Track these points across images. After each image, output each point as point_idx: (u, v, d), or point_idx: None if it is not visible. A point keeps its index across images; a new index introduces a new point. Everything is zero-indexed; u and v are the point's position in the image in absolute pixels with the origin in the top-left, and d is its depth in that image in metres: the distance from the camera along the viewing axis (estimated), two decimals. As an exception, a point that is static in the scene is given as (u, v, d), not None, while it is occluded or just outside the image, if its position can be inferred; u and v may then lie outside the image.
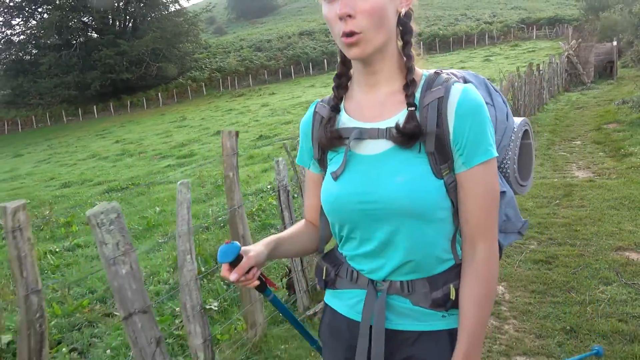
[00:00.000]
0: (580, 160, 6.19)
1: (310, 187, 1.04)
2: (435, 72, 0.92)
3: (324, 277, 1.03)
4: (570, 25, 33.22)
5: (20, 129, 38.40)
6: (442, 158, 0.86)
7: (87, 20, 42.09)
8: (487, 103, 1.00)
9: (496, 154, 0.87)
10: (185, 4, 47.94)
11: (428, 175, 0.86)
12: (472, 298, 0.88)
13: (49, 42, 40.85)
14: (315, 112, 1.01)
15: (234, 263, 0.89)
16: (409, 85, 0.88)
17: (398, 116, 0.88)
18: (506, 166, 1.07)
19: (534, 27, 39.07)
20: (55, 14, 39.07)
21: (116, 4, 42.47)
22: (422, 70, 0.94)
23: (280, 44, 45.88)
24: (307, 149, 1.03)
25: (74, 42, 40.52)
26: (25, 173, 15.93)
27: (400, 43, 0.92)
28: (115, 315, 3.52)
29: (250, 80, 39.67)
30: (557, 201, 4.56)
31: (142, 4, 43.07)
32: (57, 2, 41.18)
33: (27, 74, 40.61)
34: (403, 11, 0.89)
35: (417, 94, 0.89)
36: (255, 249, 0.92)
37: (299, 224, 1.08)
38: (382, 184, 0.87)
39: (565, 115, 9.99)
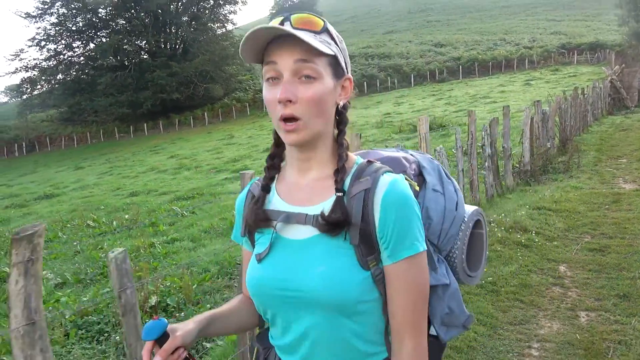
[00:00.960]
0: (627, 175, 6.74)
1: (245, 264, 1.02)
2: (367, 161, 0.93)
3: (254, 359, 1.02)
4: (612, 50, 33.20)
5: (76, 144, 40.88)
6: (368, 250, 0.85)
7: (141, 43, 44.75)
8: (436, 191, 1.02)
9: (423, 249, 0.86)
10: (230, 27, 50.07)
11: (352, 266, 0.85)
12: None
13: (105, 63, 43.68)
14: (249, 191, 1.01)
15: (160, 341, 0.85)
16: (339, 171, 0.89)
17: (325, 203, 0.89)
18: (454, 256, 1.05)
19: (575, 52, 39.08)
20: (114, 38, 41.84)
21: (169, 29, 45.16)
22: (357, 157, 0.96)
23: (321, 67, 47.32)
24: (239, 226, 1.02)
25: (129, 63, 43.08)
26: (92, 183, 17.28)
27: (335, 132, 0.94)
28: (235, 286, 4.36)
29: (292, 102, 41.11)
30: (607, 206, 5.18)
31: (192, 29, 45.53)
32: (116, 27, 44.17)
33: (84, 93, 43.45)
34: (341, 103, 0.92)
35: (347, 181, 0.89)
36: (183, 328, 0.88)
37: (237, 299, 1.06)
38: (303, 272, 0.86)
39: (610, 136, 10.46)
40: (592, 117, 12.53)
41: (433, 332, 1.01)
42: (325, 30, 0.88)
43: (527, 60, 39.35)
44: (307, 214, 0.88)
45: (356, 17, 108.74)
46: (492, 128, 5.66)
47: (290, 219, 0.90)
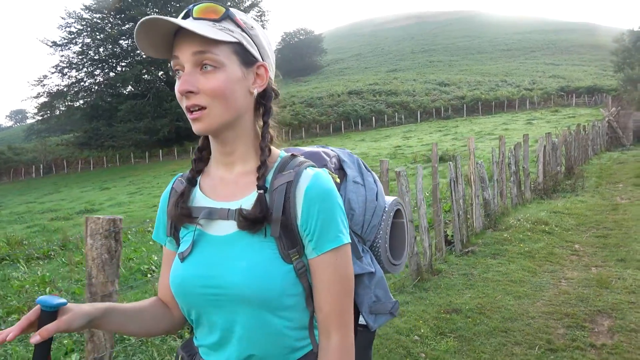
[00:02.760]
0: (623, 194, 8.19)
1: (165, 265, 0.99)
2: (291, 155, 0.93)
3: None
4: (608, 94, 35.31)
5: (92, 168, 42.35)
6: (290, 243, 0.85)
7: (159, 73, 46.95)
8: (357, 182, 1.04)
9: (347, 241, 0.86)
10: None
11: (274, 260, 0.84)
12: None
13: (125, 91, 45.77)
14: (172, 188, 0.98)
15: (47, 316, 0.76)
16: (261, 166, 0.87)
17: (248, 198, 0.88)
18: (377, 245, 1.06)
19: (574, 94, 41.29)
20: (136, 68, 44.04)
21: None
22: (281, 151, 0.95)
23: (331, 101, 49.54)
24: (162, 225, 0.99)
25: (147, 92, 45.13)
26: (127, 201, 18.60)
27: (260, 123, 0.92)
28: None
29: (303, 133, 42.91)
30: (607, 212, 6.63)
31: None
32: (136, 57, 46.55)
33: (101, 119, 45.32)
34: (256, 92, 0.89)
35: (270, 176, 0.88)
36: (76, 310, 0.79)
37: (148, 300, 0.99)
38: (225, 268, 0.85)
39: (608, 167, 11.98)
40: (592, 151, 14.10)
41: (362, 321, 1.02)
42: (226, 17, 0.86)
43: (528, 101, 41.47)
44: (229, 209, 0.87)
45: (360, 55, 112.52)
46: (517, 151, 7.18)
47: (212, 214, 0.89)
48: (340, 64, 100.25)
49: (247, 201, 0.87)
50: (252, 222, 0.84)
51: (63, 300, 0.78)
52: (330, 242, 0.85)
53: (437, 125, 36.69)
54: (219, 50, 0.83)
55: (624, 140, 17.72)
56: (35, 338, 0.74)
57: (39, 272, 6.36)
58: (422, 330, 3.26)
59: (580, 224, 6.01)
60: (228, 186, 0.92)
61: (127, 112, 42.64)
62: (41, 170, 42.08)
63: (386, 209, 1.08)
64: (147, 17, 0.79)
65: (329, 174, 0.94)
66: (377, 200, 1.06)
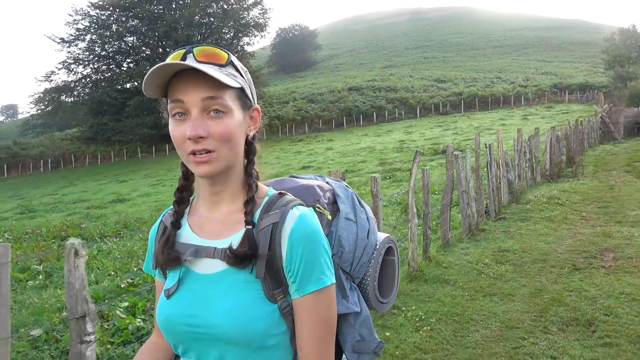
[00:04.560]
0: (617, 179, 9.76)
1: (157, 295, 1.00)
2: (279, 193, 0.93)
3: None
4: (600, 91, 37.12)
5: (99, 162, 43.37)
6: (275, 283, 0.86)
7: (164, 70, 47.92)
8: (349, 219, 1.04)
9: (330, 283, 0.87)
10: (247, 58, 53.67)
11: (258, 300, 0.85)
12: None
13: (131, 87, 46.84)
14: (161, 222, 0.99)
15: None
16: (249, 202, 0.88)
17: (236, 235, 0.88)
18: (366, 283, 1.06)
19: (566, 91, 43.08)
20: (142, 65, 45.11)
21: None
22: (269, 189, 0.95)
23: (332, 97, 50.93)
24: (151, 258, 1.00)
25: (154, 88, 46.16)
26: (154, 192, 19.80)
27: (245, 162, 0.93)
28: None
29: (306, 128, 44.27)
30: (605, 191, 8.22)
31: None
32: (142, 54, 47.62)
33: (106, 114, 46.34)
34: (251, 134, 0.92)
35: (257, 214, 0.89)
36: None
37: (145, 346, 1.05)
38: (209, 307, 0.86)
39: (603, 158, 13.60)
40: (588, 144, 15.72)
41: (345, 359, 1.04)
42: (230, 62, 0.87)
43: (523, 98, 43.20)
44: (215, 248, 0.88)
45: (354, 50, 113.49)
46: (531, 141, 8.71)
47: (199, 252, 0.89)
48: (335, 60, 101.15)
49: (235, 239, 0.87)
50: (241, 259, 0.84)
51: None
52: (313, 284, 0.85)
53: (436, 121, 38.12)
54: (227, 95, 0.85)
55: (616, 135, 19.40)
56: None
57: (114, 248, 7.55)
58: (486, 260, 4.76)
59: (585, 199, 7.55)
60: (215, 224, 0.92)
61: (134, 108, 43.70)
62: (49, 165, 43.02)
63: (377, 247, 1.08)
64: (161, 64, 0.81)
65: (320, 210, 0.98)
66: (368, 238, 1.06)
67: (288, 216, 0.87)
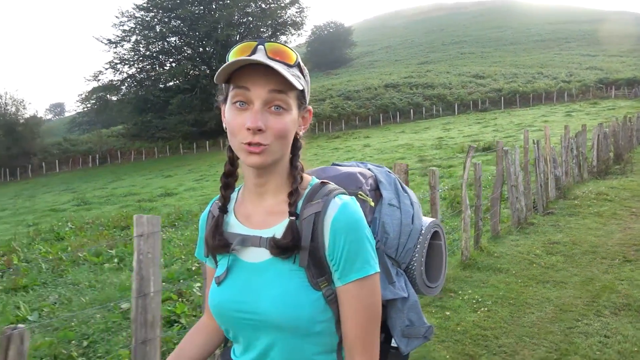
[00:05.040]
0: (668, 174, 9.67)
1: (208, 281, 1.05)
2: (321, 182, 0.95)
3: None
4: (649, 86, 35.68)
5: (144, 158, 45.03)
6: (318, 271, 0.88)
7: (207, 69, 49.28)
8: (392, 205, 1.05)
9: (373, 271, 0.88)
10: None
11: (303, 288, 0.88)
12: None
13: (174, 85, 48.39)
14: (210, 212, 1.03)
15: None
16: (293, 193, 0.91)
17: (280, 225, 0.91)
18: (413, 268, 1.08)
19: (613, 87, 41.61)
20: (185, 65, 46.55)
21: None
22: (312, 178, 0.98)
23: (368, 94, 51.03)
24: (202, 246, 1.05)
25: (194, 87, 47.59)
26: (199, 186, 20.50)
27: (290, 155, 0.95)
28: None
29: (343, 125, 44.55)
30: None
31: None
32: (184, 54, 49.13)
33: (149, 112, 48.05)
34: (301, 133, 0.95)
35: (300, 204, 0.92)
36: None
37: (194, 328, 1.11)
38: (258, 295, 0.89)
39: (652, 154, 13.32)
40: (637, 141, 15.36)
41: (394, 343, 1.05)
42: (297, 64, 0.90)
43: (566, 94, 42.02)
44: (261, 237, 0.91)
45: (390, 47, 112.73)
46: (578, 137, 8.74)
47: (246, 242, 0.92)
48: (370, 57, 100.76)
49: (279, 229, 0.90)
50: (284, 249, 0.87)
51: None
52: (356, 272, 0.87)
53: (475, 118, 37.63)
54: (291, 93, 0.88)
55: (666, 131, 18.74)
56: None
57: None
58: (536, 251, 4.98)
59: (634, 195, 7.57)
60: (260, 215, 0.94)
61: (177, 106, 45.18)
62: (97, 160, 45.00)
63: (422, 232, 1.09)
64: (240, 58, 0.84)
65: (363, 198, 1.01)
66: (412, 223, 1.07)
67: (330, 205, 0.89)
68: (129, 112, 50.18)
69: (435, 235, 1.14)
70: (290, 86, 0.86)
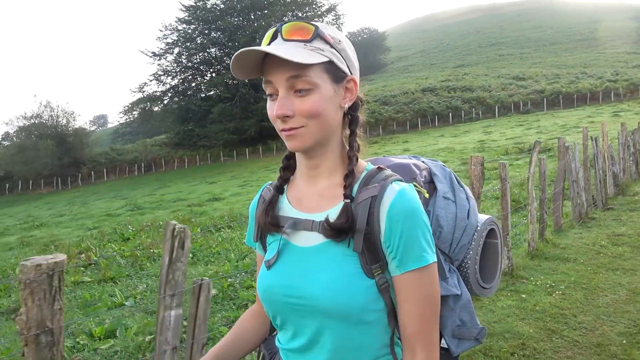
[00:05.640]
0: None
1: (259, 268, 1.03)
2: (377, 168, 0.92)
3: None
4: (703, 83, 34.09)
5: (186, 166, 46.47)
6: (372, 258, 0.85)
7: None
8: (447, 198, 1.02)
9: (432, 261, 0.85)
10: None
11: (356, 275, 0.85)
12: None
13: (214, 95, 49.88)
14: (260, 196, 1.02)
15: None
16: (348, 175, 0.88)
17: (333, 209, 0.88)
18: (466, 266, 1.04)
19: (663, 85, 40.01)
20: (224, 74, 47.94)
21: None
22: (368, 163, 0.95)
23: (405, 98, 50.91)
24: (252, 231, 1.03)
25: (234, 96, 48.84)
26: (244, 192, 21.04)
27: (346, 133, 0.92)
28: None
29: (380, 130, 44.64)
30: None
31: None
32: (224, 64, 50.57)
33: (191, 121, 49.60)
34: (347, 106, 0.90)
35: (355, 187, 0.89)
36: None
37: (245, 317, 1.08)
38: (308, 279, 0.87)
39: None
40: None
41: (444, 344, 1.01)
42: (316, 36, 0.86)
43: (612, 93, 40.71)
44: (313, 221, 0.89)
45: (425, 51, 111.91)
46: (635, 134, 8.71)
47: (297, 225, 0.91)
48: (404, 62, 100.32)
49: (333, 212, 0.88)
50: (338, 231, 0.85)
51: None
52: (414, 261, 0.84)
53: (516, 120, 36.93)
54: (312, 72, 0.84)
55: None
56: None
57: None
58: (602, 243, 5.12)
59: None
60: (313, 198, 0.93)
61: (218, 114, 46.52)
62: (142, 169, 46.75)
63: (478, 228, 1.06)
64: (241, 50, 0.81)
65: (417, 188, 0.96)
66: (468, 218, 1.04)
67: (387, 190, 0.86)
68: (171, 122, 51.95)
69: (491, 234, 1.10)
70: (306, 65, 0.83)
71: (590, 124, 28.29)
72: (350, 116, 0.92)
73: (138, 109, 52.42)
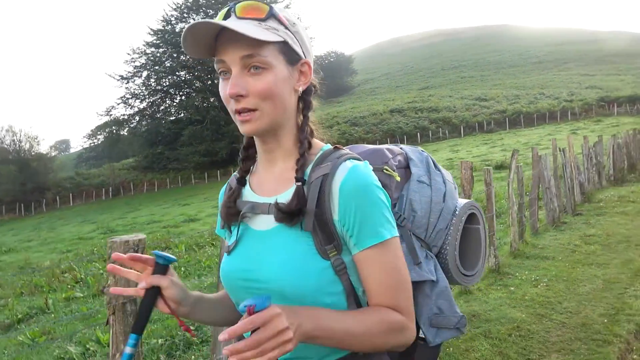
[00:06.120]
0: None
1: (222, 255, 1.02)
2: (334, 147, 0.91)
3: None
4: (651, 102, 36.51)
5: (156, 189, 45.79)
6: (326, 238, 0.83)
7: (213, 100, 50.59)
8: (422, 182, 1.00)
9: (390, 235, 0.83)
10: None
11: (310, 256, 0.83)
12: (373, 312, 0.83)
13: (184, 117, 49.70)
14: (228, 184, 1.01)
15: (158, 270, 0.85)
16: (300, 158, 0.87)
17: (287, 192, 0.87)
18: (445, 253, 1.01)
19: (614, 104, 42.54)
20: (196, 97, 47.97)
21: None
22: (323, 145, 0.93)
23: (374, 119, 52.13)
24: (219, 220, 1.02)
25: (204, 118, 48.77)
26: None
27: (301, 117, 0.91)
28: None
29: (351, 150, 45.42)
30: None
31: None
32: (197, 87, 50.64)
33: (160, 144, 49.14)
34: (300, 89, 0.89)
35: (308, 169, 0.87)
36: (179, 283, 0.88)
37: (223, 291, 1.03)
38: (263, 262, 0.86)
39: (663, 164, 13.94)
40: (645, 153, 16.04)
41: (421, 334, 0.98)
42: (271, 15, 0.85)
43: (569, 113, 42.94)
44: (270, 204, 0.88)
45: (390, 74, 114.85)
46: (596, 147, 9.42)
47: (255, 209, 0.90)
48: (370, 84, 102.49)
49: (286, 195, 0.87)
50: (288, 214, 0.83)
51: (174, 257, 0.87)
52: (371, 237, 0.82)
53: (481, 139, 38.29)
54: (267, 51, 0.83)
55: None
56: (142, 284, 0.84)
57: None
58: (576, 242, 5.60)
59: (653, 197, 8.20)
60: (270, 182, 0.92)
61: (188, 137, 46.33)
62: (110, 193, 45.80)
63: (457, 212, 1.03)
64: (194, 22, 0.79)
65: (388, 172, 0.97)
66: (444, 201, 1.01)
67: (339, 168, 0.85)
68: (140, 145, 51.27)
69: (472, 219, 1.07)
70: (263, 43, 0.82)
71: (550, 141, 29.74)
72: (303, 101, 0.91)
73: (105, 133, 51.63)
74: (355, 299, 0.86)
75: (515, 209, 5.40)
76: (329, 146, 0.92)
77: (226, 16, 0.84)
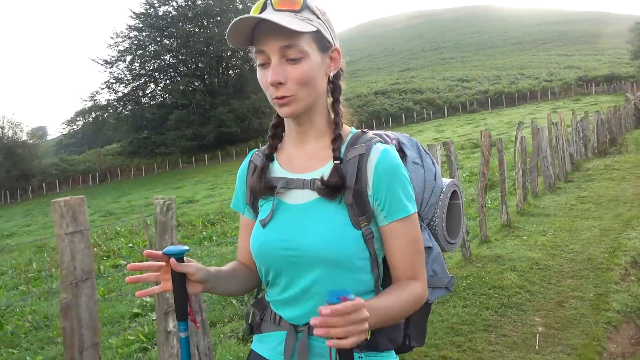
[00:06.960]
0: (658, 152, 11.23)
1: (243, 231, 1.09)
2: (362, 131, 1.00)
3: (250, 322, 1.08)
4: (627, 81, 37.96)
5: (143, 174, 45.67)
6: (360, 210, 0.93)
7: (200, 85, 50.32)
8: (416, 163, 1.10)
9: (413, 211, 0.94)
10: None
11: (347, 226, 0.92)
12: (403, 290, 0.94)
13: (170, 102, 49.44)
14: (250, 161, 1.06)
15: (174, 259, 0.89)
16: (336, 139, 0.95)
17: (323, 169, 0.95)
18: (435, 223, 1.13)
19: (592, 83, 43.96)
20: (182, 81, 47.67)
21: (226, 71, 50.94)
22: (351, 128, 1.01)
23: (359, 101, 52.66)
24: (241, 195, 1.08)
25: (191, 102, 48.62)
26: (216, 194, 21.24)
27: (330, 100, 0.99)
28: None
29: (338, 132, 45.96)
30: (651, 159, 9.71)
31: (248, 69, 51.22)
32: (179, 71, 50.33)
33: (146, 129, 48.84)
34: (332, 74, 0.97)
35: (342, 149, 0.96)
36: (199, 265, 0.93)
37: (234, 263, 1.10)
38: (304, 232, 0.93)
39: (640, 138, 14.99)
40: (625, 128, 17.10)
41: None
42: (305, 7, 0.91)
43: (549, 92, 44.24)
44: (304, 179, 0.96)
45: (371, 56, 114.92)
46: (583, 122, 10.28)
47: (289, 184, 0.97)
48: (351, 66, 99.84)
49: (324, 171, 0.95)
50: (332, 189, 0.92)
51: (186, 247, 0.90)
52: (400, 211, 0.93)
53: (465, 119, 39.12)
54: (303, 40, 0.90)
55: (649, 120, 20.60)
56: (166, 276, 0.91)
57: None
58: (572, 202, 6.43)
59: (636, 165, 9.10)
60: (303, 160, 0.99)
61: (175, 121, 46.17)
62: (97, 178, 45.58)
63: (443, 190, 1.15)
64: (239, 17, 0.87)
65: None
66: (435, 180, 1.12)
67: (373, 149, 0.94)
68: (125, 130, 50.87)
69: (454, 196, 1.20)
70: (299, 33, 0.89)
71: (532, 120, 30.75)
72: (333, 84, 0.98)
73: (86, 119, 51.08)
74: (377, 264, 0.97)
75: (521, 173, 6.16)
76: (355, 129, 1.02)
77: (263, 8, 0.91)
